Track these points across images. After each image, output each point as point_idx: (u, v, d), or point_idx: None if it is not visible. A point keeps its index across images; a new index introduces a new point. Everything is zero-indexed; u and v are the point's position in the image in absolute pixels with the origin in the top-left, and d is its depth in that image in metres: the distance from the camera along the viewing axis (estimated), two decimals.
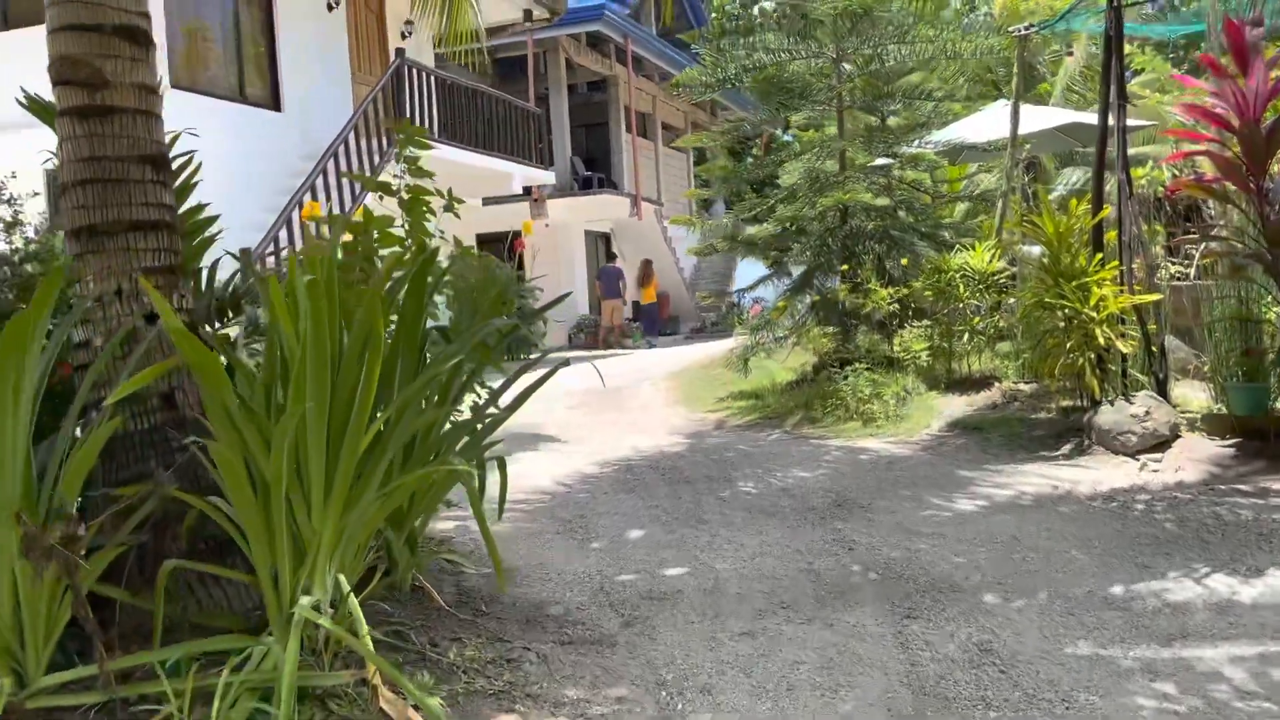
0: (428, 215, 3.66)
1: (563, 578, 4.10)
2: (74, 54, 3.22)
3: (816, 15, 8.88)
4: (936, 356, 8.36)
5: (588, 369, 9.09)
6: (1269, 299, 5.99)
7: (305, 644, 2.84)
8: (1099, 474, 5.45)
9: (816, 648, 3.28)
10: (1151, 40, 15.47)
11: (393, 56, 12.38)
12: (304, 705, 2.60)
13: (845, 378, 7.89)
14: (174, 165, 3.96)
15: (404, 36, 13.69)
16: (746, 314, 15.45)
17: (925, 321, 8.68)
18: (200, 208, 4.15)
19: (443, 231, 3.71)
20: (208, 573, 3.05)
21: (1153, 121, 12.25)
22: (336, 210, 9.85)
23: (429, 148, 4.01)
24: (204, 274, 4.10)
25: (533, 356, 4.44)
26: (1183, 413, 6.13)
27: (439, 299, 3.96)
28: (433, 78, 12.77)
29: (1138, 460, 5.59)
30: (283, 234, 9.31)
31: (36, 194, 4.11)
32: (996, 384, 7.75)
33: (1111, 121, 6.52)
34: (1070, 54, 14.59)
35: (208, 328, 3.81)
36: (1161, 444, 5.73)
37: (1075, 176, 13.71)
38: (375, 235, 3.65)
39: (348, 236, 3.78)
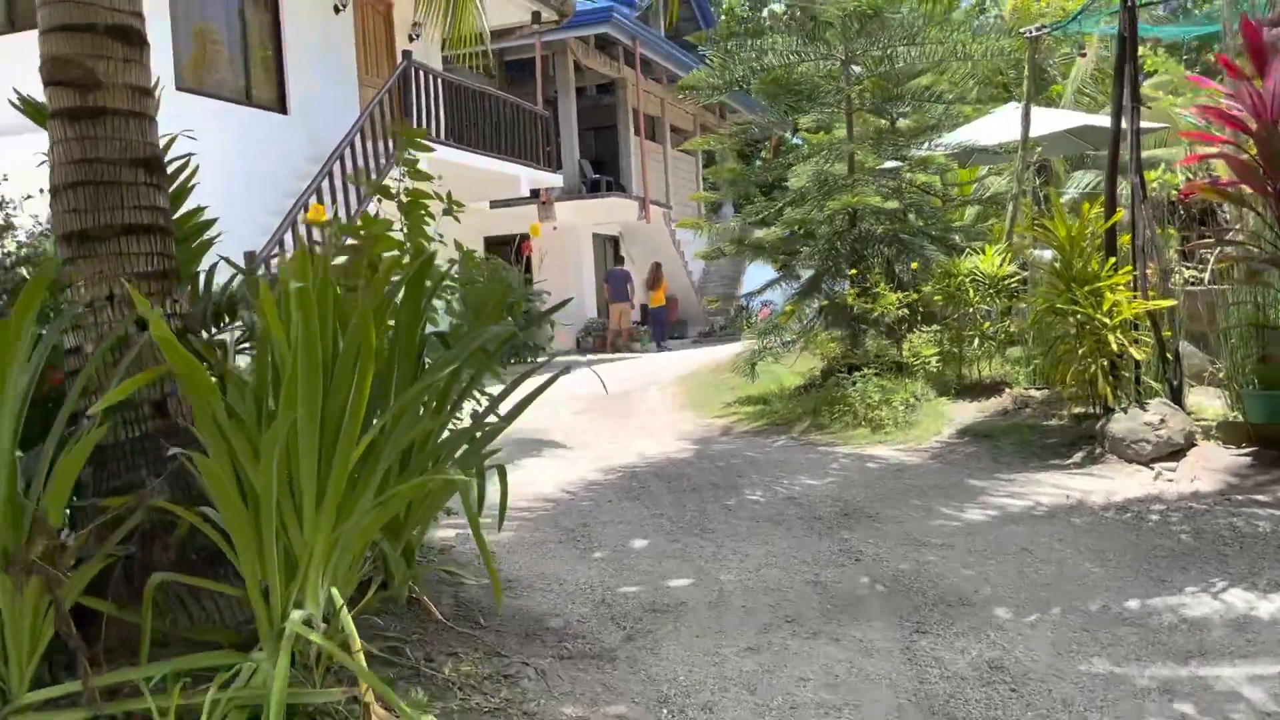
0: (427, 219, 3.59)
1: (564, 588, 4.02)
2: (65, 54, 3.15)
3: (825, 17, 8.79)
4: (946, 362, 8.26)
5: (594, 373, 9.01)
6: None
7: (297, 659, 2.77)
8: (1112, 483, 5.35)
9: (822, 664, 3.19)
10: (1164, 42, 15.36)
11: (400, 59, 12.35)
12: None
13: (854, 383, 7.80)
14: (171, 168, 3.92)
15: (411, 39, 13.65)
16: (755, 317, 15.37)
17: (935, 326, 8.57)
18: (199, 211, 4.09)
19: (441, 235, 3.63)
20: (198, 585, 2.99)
21: (1165, 124, 12.14)
22: (342, 213, 9.80)
23: (429, 150, 3.93)
24: (201, 278, 4.05)
25: (540, 360, 4.37)
26: (1198, 420, 6.02)
27: (438, 304, 3.90)
28: (440, 80, 12.73)
29: (1152, 469, 5.49)
30: (288, 237, 9.27)
31: (29, 197, 4.04)
32: (1007, 390, 7.65)
33: (1125, 124, 6.43)
34: (1083, 55, 14.48)
35: (203, 333, 3.76)
36: (1176, 452, 5.62)
37: (1086, 179, 13.61)
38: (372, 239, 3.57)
39: (350, 240, 3.72)
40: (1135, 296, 6.13)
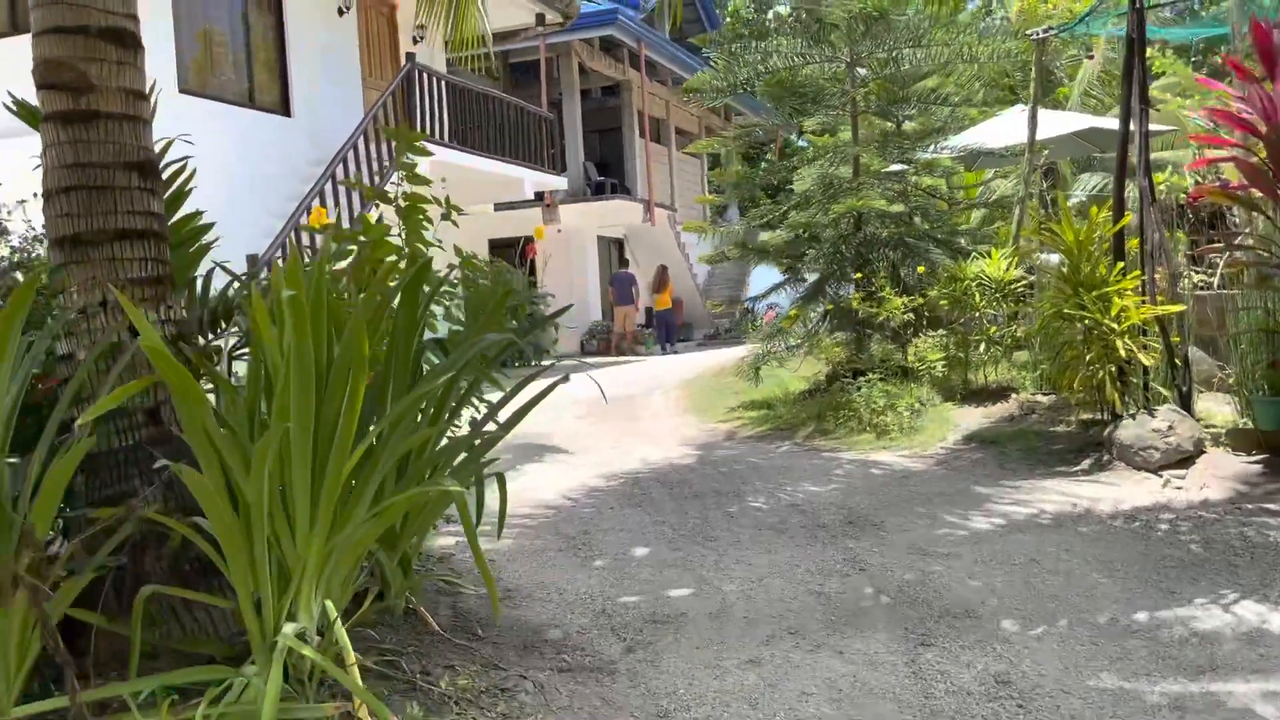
0: (425, 223, 3.54)
1: (564, 598, 3.97)
2: (58, 57, 3.11)
3: (831, 19, 8.73)
4: (952, 367, 8.19)
5: (598, 376, 8.97)
6: None
7: (291, 673, 2.72)
8: (1120, 491, 5.28)
9: (826, 677, 3.14)
10: (1171, 43, 15.27)
11: (404, 61, 12.31)
12: None
13: (858, 388, 7.73)
14: (168, 172, 3.88)
15: (415, 41, 13.61)
16: (760, 320, 15.29)
17: (940, 331, 8.50)
18: (196, 215, 4.05)
19: (440, 240, 3.59)
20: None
21: (1173, 127, 12.06)
22: (345, 216, 9.76)
23: (427, 154, 3.88)
24: (199, 283, 4.00)
25: (545, 364, 4.33)
26: (1207, 427, 5.95)
27: (437, 309, 3.85)
28: (444, 82, 12.70)
29: (1160, 476, 5.42)
30: (291, 240, 9.23)
31: (24, 201, 4.00)
32: (1013, 395, 7.58)
33: (1133, 126, 6.36)
34: (1090, 57, 14.40)
35: (200, 339, 3.71)
36: (1185, 460, 5.55)
37: (1093, 181, 13.54)
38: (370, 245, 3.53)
39: (350, 245, 3.68)
40: (1144, 301, 6.06)
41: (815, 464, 6.63)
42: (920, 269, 8.72)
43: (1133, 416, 5.84)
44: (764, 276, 13.64)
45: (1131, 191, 6.74)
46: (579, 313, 18.44)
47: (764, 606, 3.81)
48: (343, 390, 2.69)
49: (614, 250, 21.26)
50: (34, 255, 3.53)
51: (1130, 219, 6.51)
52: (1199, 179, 9.65)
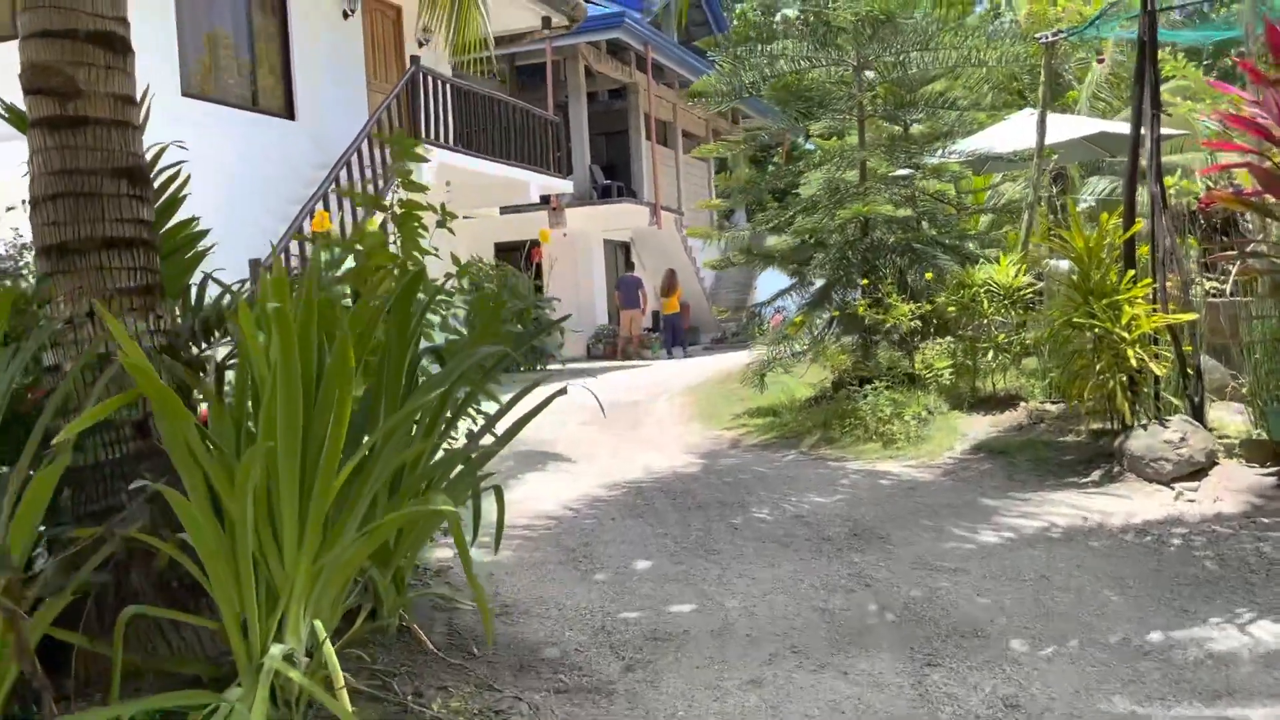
0: (420, 231, 3.46)
1: (563, 614, 3.88)
2: (45, 61, 3.05)
3: (838, 22, 8.64)
4: (960, 375, 8.08)
5: (601, 382, 8.90)
6: None
7: (279, 694, 2.64)
8: (1132, 504, 5.17)
9: (829, 700, 3.05)
10: (1181, 46, 15.15)
11: (409, 64, 12.26)
12: None
13: (865, 396, 7.63)
14: (161, 178, 3.81)
15: (421, 44, 13.56)
16: (768, 324, 15.18)
17: (948, 338, 8.40)
18: (190, 222, 3.99)
19: (436, 250, 3.51)
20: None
21: (1184, 131, 11.94)
22: (349, 220, 9.70)
23: (424, 159, 3.81)
24: (193, 291, 3.94)
25: (551, 367, 4.25)
26: (1220, 438, 5.84)
27: (434, 318, 3.77)
28: (449, 86, 12.64)
29: (1172, 489, 5.31)
30: (293, 245, 9.18)
31: (11, 209, 3.94)
32: (1022, 403, 7.47)
33: (1144, 131, 6.26)
34: (1101, 60, 14.28)
35: (192, 348, 3.64)
36: (1197, 471, 5.44)
37: (1102, 186, 13.41)
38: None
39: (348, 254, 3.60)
40: (1155, 309, 5.96)
41: (821, 474, 6.54)
42: (928, 275, 8.62)
43: (1144, 427, 5.73)
44: (772, 280, 13.52)
45: (1142, 197, 6.64)
46: (585, 316, 18.36)
47: (767, 624, 3.72)
48: (333, 404, 2.61)
49: (620, 254, 21.18)
50: (21, 263, 3.46)
51: (1141, 226, 6.40)
52: (1211, 184, 9.54)
